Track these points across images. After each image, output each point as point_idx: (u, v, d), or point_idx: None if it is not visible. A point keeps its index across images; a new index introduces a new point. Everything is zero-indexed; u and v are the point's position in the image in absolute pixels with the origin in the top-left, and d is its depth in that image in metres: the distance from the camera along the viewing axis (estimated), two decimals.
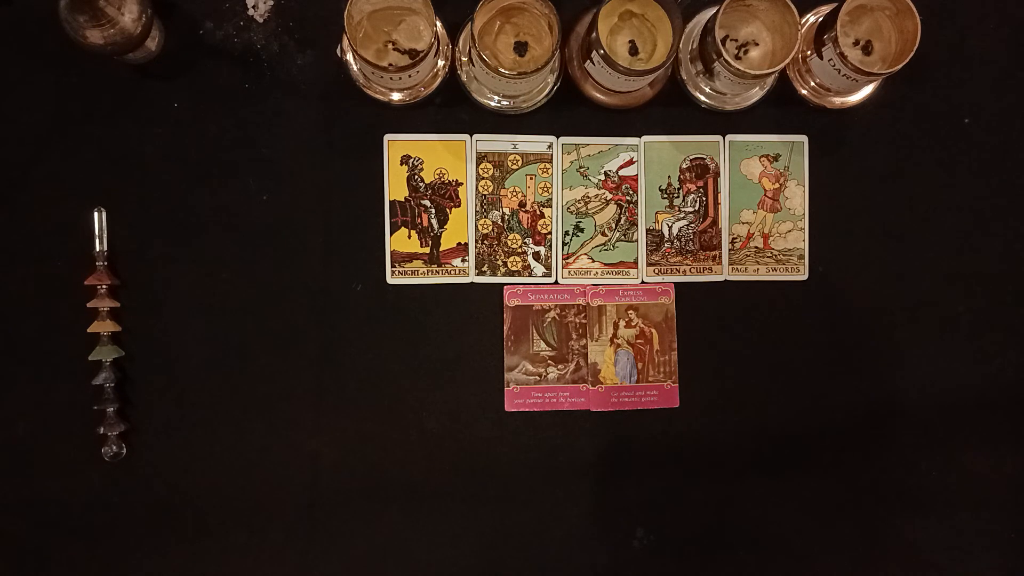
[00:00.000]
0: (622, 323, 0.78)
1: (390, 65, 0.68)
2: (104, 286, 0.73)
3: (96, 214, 0.73)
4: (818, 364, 0.79)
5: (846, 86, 0.75)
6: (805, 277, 0.79)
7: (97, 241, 0.73)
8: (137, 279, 0.74)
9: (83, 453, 0.74)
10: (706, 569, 0.78)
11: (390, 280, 0.76)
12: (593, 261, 0.78)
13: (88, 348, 0.73)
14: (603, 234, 0.79)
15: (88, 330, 0.73)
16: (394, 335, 0.76)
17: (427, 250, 0.77)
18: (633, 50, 0.74)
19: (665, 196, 0.79)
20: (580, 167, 0.78)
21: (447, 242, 0.77)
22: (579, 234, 0.78)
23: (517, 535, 0.77)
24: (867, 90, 0.78)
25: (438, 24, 0.72)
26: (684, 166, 0.79)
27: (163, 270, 0.75)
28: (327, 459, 0.76)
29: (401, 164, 0.77)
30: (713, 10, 0.73)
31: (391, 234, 0.77)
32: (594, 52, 0.69)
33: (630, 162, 0.79)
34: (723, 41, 0.74)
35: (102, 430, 0.73)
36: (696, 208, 0.79)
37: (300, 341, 0.76)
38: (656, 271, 0.79)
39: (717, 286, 0.79)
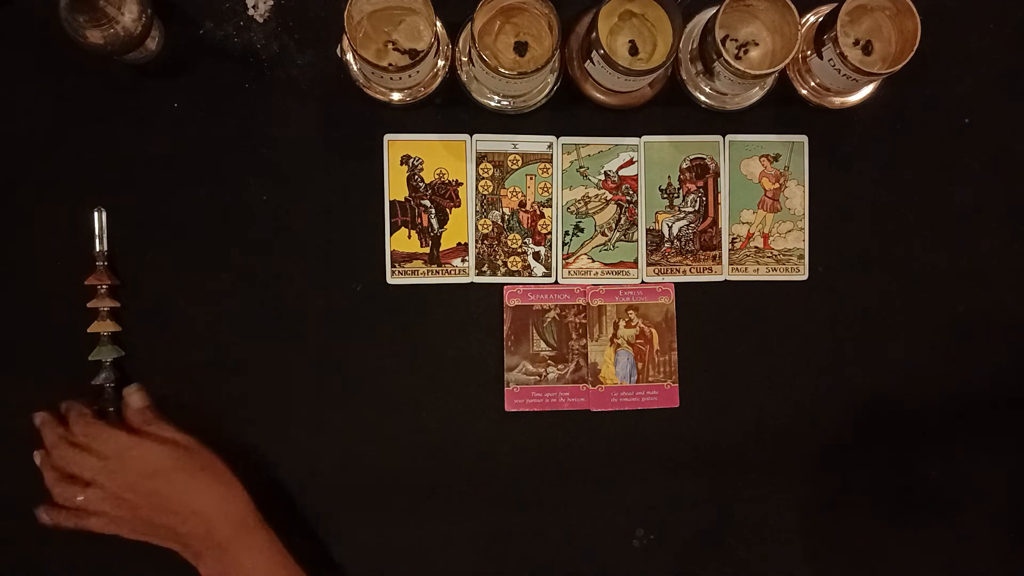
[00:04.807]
0: (622, 323, 0.78)
1: (390, 65, 0.67)
2: (104, 286, 0.73)
3: (96, 214, 0.73)
4: (818, 364, 0.79)
5: (846, 86, 0.75)
6: (805, 277, 0.79)
7: (97, 241, 0.73)
8: (137, 279, 0.74)
9: None
10: (706, 569, 0.78)
11: (390, 280, 0.76)
12: (593, 261, 0.78)
13: (88, 348, 0.73)
14: (603, 234, 0.79)
15: (88, 330, 0.73)
16: (394, 335, 0.76)
17: (427, 250, 0.77)
18: (633, 50, 0.74)
19: (665, 196, 0.79)
20: (580, 167, 0.78)
21: (447, 242, 0.77)
22: (579, 234, 0.78)
23: (517, 535, 0.77)
24: (867, 90, 0.78)
25: (438, 24, 0.72)
26: (684, 166, 0.79)
27: (163, 270, 0.75)
28: (327, 459, 0.76)
29: (401, 164, 0.77)
30: (713, 10, 0.73)
31: (391, 234, 0.77)
32: (594, 52, 0.69)
33: (630, 162, 0.79)
34: (723, 41, 0.74)
35: None
36: (696, 208, 0.79)
37: (300, 341, 0.75)
38: (656, 271, 0.79)
39: (717, 286, 0.79)
